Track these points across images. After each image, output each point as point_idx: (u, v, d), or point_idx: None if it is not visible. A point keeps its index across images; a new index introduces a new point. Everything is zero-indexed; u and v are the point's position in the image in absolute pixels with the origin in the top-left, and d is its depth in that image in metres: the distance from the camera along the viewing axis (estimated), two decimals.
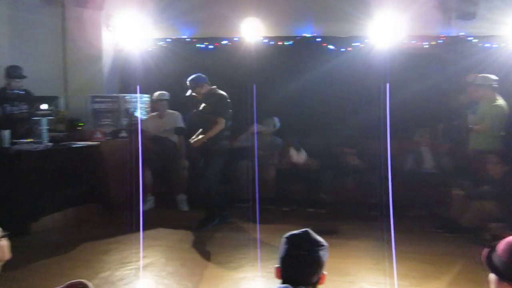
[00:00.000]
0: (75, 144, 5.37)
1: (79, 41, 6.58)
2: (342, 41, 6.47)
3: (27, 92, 5.51)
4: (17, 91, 5.42)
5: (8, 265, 2.22)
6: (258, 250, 4.23)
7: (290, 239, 1.83)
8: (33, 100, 5.38)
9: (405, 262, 4.01)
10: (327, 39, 6.49)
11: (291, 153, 5.97)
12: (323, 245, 1.82)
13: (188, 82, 5.18)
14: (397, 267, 3.92)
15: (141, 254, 4.18)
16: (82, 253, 4.34)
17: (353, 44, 6.41)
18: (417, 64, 6.27)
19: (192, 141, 5.21)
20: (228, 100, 5.13)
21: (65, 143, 5.36)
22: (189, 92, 5.21)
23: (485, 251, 1.87)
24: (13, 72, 5.36)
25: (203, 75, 5.23)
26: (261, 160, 6.03)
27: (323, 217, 5.68)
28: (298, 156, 5.92)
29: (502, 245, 1.79)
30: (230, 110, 5.14)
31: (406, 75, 6.08)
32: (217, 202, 5.19)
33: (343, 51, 6.43)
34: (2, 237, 2.13)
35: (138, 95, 6.25)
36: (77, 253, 4.32)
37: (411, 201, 5.69)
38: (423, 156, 5.83)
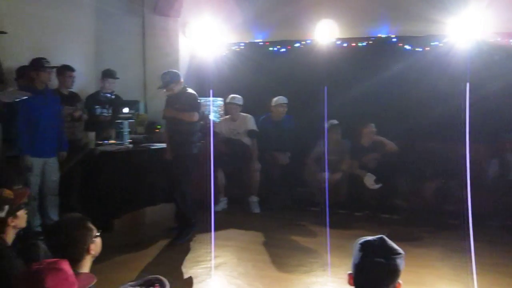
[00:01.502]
0: (153, 146, 5.62)
1: (158, 48, 6.91)
2: (419, 40, 6.20)
3: (117, 97, 5.88)
4: (109, 95, 5.80)
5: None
6: (329, 255, 4.17)
7: (365, 245, 1.76)
8: (120, 105, 5.71)
9: (487, 275, 3.75)
10: (403, 39, 6.26)
11: (365, 181, 5.74)
12: (400, 253, 1.74)
13: (161, 77, 4.92)
14: (478, 280, 3.69)
15: (212, 254, 4.28)
16: (159, 250, 4.53)
17: (431, 43, 6.13)
18: (503, 63, 5.86)
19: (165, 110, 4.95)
20: (199, 101, 4.99)
21: (144, 145, 5.62)
22: (161, 88, 4.93)
23: None
24: (107, 72, 5.77)
25: (178, 71, 5.06)
26: (330, 163, 5.95)
27: (398, 223, 5.46)
28: (372, 186, 5.68)
29: None
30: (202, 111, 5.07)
31: (490, 74, 5.71)
32: (193, 210, 4.93)
33: (420, 51, 6.17)
34: (97, 236, 2.33)
35: (211, 98, 6.42)
36: (154, 250, 4.51)
37: (494, 210, 5.33)
38: (509, 163, 5.42)
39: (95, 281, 2.06)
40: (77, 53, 6.06)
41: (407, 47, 6.23)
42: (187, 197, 4.82)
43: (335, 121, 6.01)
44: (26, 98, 4.48)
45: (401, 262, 1.72)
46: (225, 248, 4.56)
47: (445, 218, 5.38)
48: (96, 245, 2.31)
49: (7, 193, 2.73)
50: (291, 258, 4.28)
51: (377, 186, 5.64)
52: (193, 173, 4.90)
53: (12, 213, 2.68)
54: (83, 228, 2.28)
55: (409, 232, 5.04)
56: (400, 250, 1.75)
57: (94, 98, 5.73)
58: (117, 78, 5.83)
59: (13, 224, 2.70)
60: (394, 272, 1.71)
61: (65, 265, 1.87)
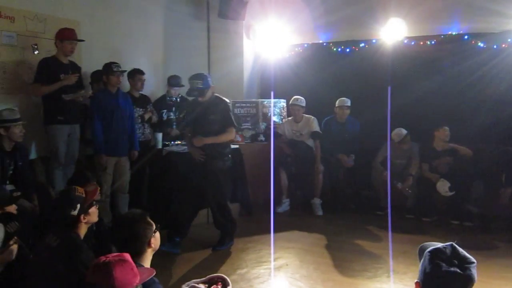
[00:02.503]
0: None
1: (223, 51, 7.05)
2: (494, 37, 5.83)
3: (182, 99, 6.08)
4: (175, 98, 6.01)
5: (158, 256, 2.49)
6: (391, 261, 4.04)
7: (435, 253, 1.67)
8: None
9: None
10: (476, 36, 5.92)
11: (438, 187, 5.47)
12: (473, 262, 1.64)
13: (193, 82, 4.41)
14: None
15: (272, 255, 4.29)
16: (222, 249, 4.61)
17: (508, 39, 5.74)
18: None
19: (194, 140, 4.48)
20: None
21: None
22: (196, 96, 4.44)
23: None
24: (173, 81, 5.96)
25: (207, 74, 4.62)
26: (398, 168, 5.75)
27: (469, 231, 5.16)
28: (446, 193, 5.39)
29: None
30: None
31: None
32: (233, 221, 4.71)
33: (495, 48, 5.81)
34: (156, 230, 2.43)
35: (272, 100, 6.45)
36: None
37: None
38: None
39: (154, 273, 2.15)
40: (147, 57, 6.36)
41: (480, 44, 5.89)
42: (226, 209, 4.64)
43: (403, 131, 5.76)
44: (100, 100, 4.79)
45: (475, 272, 1.63)
46: (287, 250, 4.55)
47: None
48: (156, 239, 2.41)
49: (79, 191, 2.90)
50: (354, 262, 4.19)
51: (450, 193, 5.36)
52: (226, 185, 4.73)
53: (84, 210, 2.84)
54: (144, 222, 2.39)
55: (482, 241, 4.76)
56: (472, 258, 1.65)
57: (161, 103, 5.96)
58: (182, 86, 6.00)
59: (85, 220, 2.86)
60: (468, 283, 1.61)
61: (129, 258, 1.98)
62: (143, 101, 5.61)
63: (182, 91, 5.90)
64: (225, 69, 7.05)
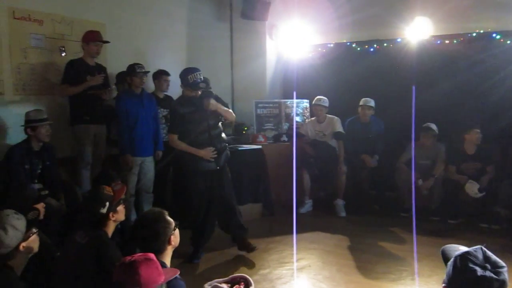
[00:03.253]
0: (241, 147, 5.75)
1: (245, 51, 7.08)
2: None
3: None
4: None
5: (178, 252, 2.53)
6: (415, 263, 3.97)
7: (466, 257, 1.60)
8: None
9: None
10: (505, 34, 5.77)
11: (467, 188, 5.34)
12: (504, 266, 1.58)
13: (195, 75, 4.16)
14: None
15: (294, 256, 4.27)
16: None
17: None
18: None
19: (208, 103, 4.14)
20: None
21: (232, 145, 5.77)
22: (198, 86, 4.15)
23: None
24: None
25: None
26: (423, 169, 5.65)
27: (498, 234, 5.03)
28: (476, 194, 5.27)
29: None
30: None
31: None
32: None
33: None
34: (178, 225, 2.49)
35: (294, 100, 6.44)
36: (236, 249, 4.59)
37: None
38: None
39: (178, 272, 2.18)
40: (171, 59, 6.43)
41: (509, 42, 5.74)
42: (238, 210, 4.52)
43: (431, 125, 5.68)
44: (125, 101, 4.86)
45: (507, 276, 1.58)
46: (309, 251, 4.53)
47: None
48: (175, 237, 2.46)
49: (108, 190, 2.98)
50: (378, 264, 4.14)
51: (480, 194, 5.24)
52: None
53: (112, 208, 2.91)
54: (163, 221, 2.43)
55: (509, 244, 4.63)
56: (503, 263, 1.60)
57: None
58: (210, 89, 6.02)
59: (113, 218, 2.93)
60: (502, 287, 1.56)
61: (154, 257, 2.03)
62: (168, 101, 5.67)
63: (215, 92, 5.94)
64: (248, 70, 7.08)
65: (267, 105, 6.75)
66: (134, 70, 4.93)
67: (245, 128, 6.73)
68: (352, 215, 5.82)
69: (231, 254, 4.47)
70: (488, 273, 1.55)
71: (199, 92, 4.19)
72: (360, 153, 6.03)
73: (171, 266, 2.41)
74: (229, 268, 4.03)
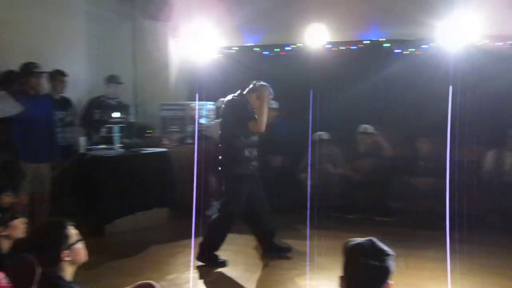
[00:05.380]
0: (144, 150, 5.60)
1: (149, 52, 6.90)
2: (409, 44, 6.25)
3: (119, 103, 5.89)
4: (110, 100, 5.80)
5: (83, 265, 2.36)
6: (308, 258, 4.20)
7: (355, 248, 1.77)
8: (124, 109, 5.67)
9: (481, 275, 3.82)
10: (393, 42, 6.30)
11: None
12: (390, 254, 1.75)
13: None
14: (472, 280, 3.72)
15: (191, 259, 4.21)
16: (151, 255, 4.51)
17: (421, 46, 6.17)
18: (492, 65, 5.93)
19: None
20: None
21: (135, 149, 5.60)
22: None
23: None
24: (111, 78, 5.77)
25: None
26: (323, 166, 5.96)
27: (391, 225, 5.48)
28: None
29: None
30: None
31: (479, 77, 5.79)
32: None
33: (410, 54, 6.21)
34: (78, 241, 2.25)
35: (197, 102, 6.43)
36: (146, 255, 4.49)
37: (490, 210, 5.39)
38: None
39: None
40: (68, 57, 6.04)
41: (397, 50, 6.27)
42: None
43: (323, 134, 6.00)
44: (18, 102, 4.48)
45: (392, 263, 1.73)
46: (218, 252, 4.53)
47: (439, 219, 5.41)
48: (73, 252, 2.19)
49: None
50: (285, 261, 4.27)
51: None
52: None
53: (3, 223, 2.63)
54: (57, 233, 2.17)
55: (402, 234, 5.05)
56: (390, 251, 1.76)
57: (95, 103, 5.72)
58: (121, 83, 5.82)
59: (4, 233, 2.65)
60: (385, 273, 1.72)
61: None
62: (65, 103, 5.35)
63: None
64: (152, 71, 6.91)
65: (172, 107, 6.64)
66: (30, 70, 4.57)
67: (149, 131, 6.56)
68: None
69: (137, 260, 4.33)
70: (372, 262, 1.70)
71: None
72: (265, 154, 6.17)
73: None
74: (135, 275, 3.89)
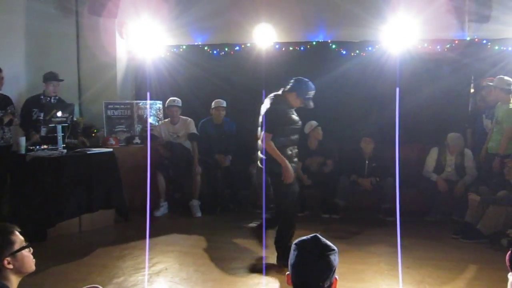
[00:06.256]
0: (89, 150, 5.42)
1: (93, 49, 6.66)
2: (355, 45, 6.45)
3: (59, 101, 5.65)
4: (51, 98, 5.55)
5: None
6: (263, 256, 4.22)
7: (299, 245, 1.81)
8: (66, 108, 5.44)
9: (422, 268, 3.99)
10: (340, 44, 6.47)
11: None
12: (333, 249, 1.80)
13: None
14: (413, 274, 3.89)
15: (146, 260, 4.16)
16: (97, 258, 4.37)
17: (366, 48, 6.39)
18: (431, 68, 6.24)
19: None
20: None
21: (80, 149, 5.42)
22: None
23: (509, 254, 1.88)
24: (49, 75, 5.55)
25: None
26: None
27: (337, 222, 5.63)
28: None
29: None
30: None
31: (419, 79, 6.07)
32: None
33: (356, 55, 6.41)
34: (24, 247, 2.09)
35: (148, 101, 6.32)
36: (92, 259, 4.35)
37: (429, 207, 5.66)
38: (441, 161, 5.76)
39: None
40: (5, 52, 5.74)
41: (343, 51, 6.45)
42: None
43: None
44: None
45: (335, 258, 1.78)
46: (166, 254, 4.48)
47: (383, 216, 5.63)
48: (17, 260, 2.04)
49: None
50: (234, 260, 4.28)
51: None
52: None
53: None
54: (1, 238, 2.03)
55: (348, 231, 5.19)
56: (333, 246, 1.81)
57: (34, 102, 5.46)
58: (61, 80, 5.60)
59: None
60: (329, 268, 1.76)
61: None
62: (3, 102, 5.07)
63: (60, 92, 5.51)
64: (97, 69, 6.70)
65: (118, 106, 6.48)
66: None
67: (95, 131, 6.37)
68: (208, 215, 5.92)
69: (82, 265, 4.19)
70: (313, 257, 1.75)
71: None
72: (214, 154, 6.17)
73: None
74: (81, 280, 3.75)
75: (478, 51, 6.08)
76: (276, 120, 4.08)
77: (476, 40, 6.15)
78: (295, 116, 4.25)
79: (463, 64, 6.09)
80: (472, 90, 6.32)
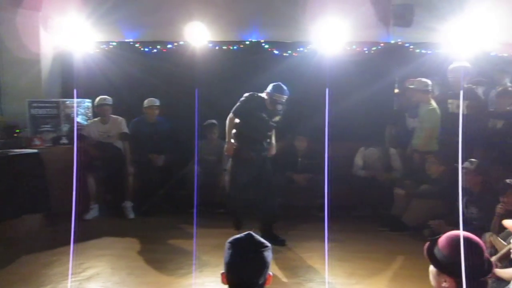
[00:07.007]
0: (12, 152, 5.09)
1: (15, 44, 6.25)
2: (287, 46, 6.58)
3: None
4: None
5: None
6: (193, 255, 4.21)
7: (233, 243, 1.82)
8: None
9: (353, 260, 4.17)
10: (272, 44, 6.57)
11: None
12: (266, 246, 1.82)
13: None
14: (344, 266, 4.05)
15: (70, 265, 3.98)
16: (22, 267, 4.14)
17: (298, 49, 6.53)
18: (359, 69, 6.49)
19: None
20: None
21: (1, 150, 5.08)
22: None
23: (427, 244, 1.98)
24: None
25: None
26: (211, 164, 6.01)
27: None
28: None
29: (443, 239, 1.91)
30: None
31: (348, 80, 6.30)
32: None
33: (288, 56, 6.54)
34: None
35: (75, 99, 6.05)
36: (16, 267, 4.11)
37: (357, 202, 5.91)
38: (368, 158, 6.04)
39: None
40: None
41: (276, 52, 6.56)
42: None
43: (212, 121, 6.15)
44: None
45: (268, 255, 1.81)
46: (98, 258, 4.33)
47: (316, 212, 5.80)
48: None
49: None
50: (168, 262, 4.22)
51: None
52: None
53: None
54: None
55: (282, 227, 5.28)
56: (267, 243, 1.84)
57: None
58: None
59: None
60: (262, 265, 1.78)
61: None
62: None
63: None
64: (20, 66, 6.31)
65: (43, 104, 6.15)
66: None
67: (17, 131, 6.00)
68: (141, 216, 5.78)
69: (7, 273, 3.95)
70: (250, 254, 1.78)
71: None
72: (147, 153, 6.03)
73: None
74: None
75: (402, 54, 6.43)
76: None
77: (400, 43, 6.50)
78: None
79: (388, 66, 6.42)
80: (396, 91, 6.68)
